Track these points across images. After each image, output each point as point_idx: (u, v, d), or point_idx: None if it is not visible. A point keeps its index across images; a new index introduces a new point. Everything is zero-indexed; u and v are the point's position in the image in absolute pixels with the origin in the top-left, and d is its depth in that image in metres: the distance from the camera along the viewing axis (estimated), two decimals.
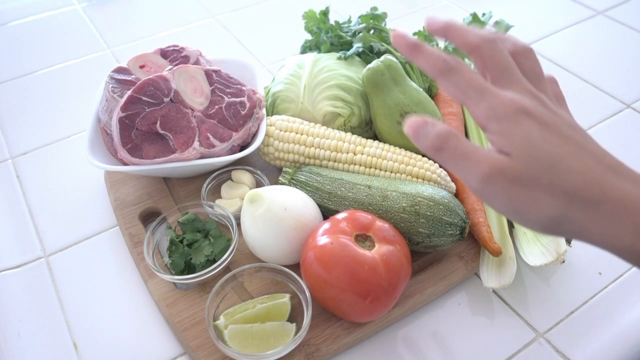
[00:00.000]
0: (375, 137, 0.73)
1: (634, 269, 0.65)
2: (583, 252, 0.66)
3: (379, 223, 0.56)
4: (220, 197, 0.69)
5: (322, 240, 0.54)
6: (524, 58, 0.42)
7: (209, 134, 0.66)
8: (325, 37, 0.85)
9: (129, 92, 0.65)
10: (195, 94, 0.67)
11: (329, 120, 0.72)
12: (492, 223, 0.66)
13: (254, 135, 0.70)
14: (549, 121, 0.38)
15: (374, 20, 0.83)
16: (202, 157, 0.66)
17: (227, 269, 0.61)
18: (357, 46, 0.78)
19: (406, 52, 0.40)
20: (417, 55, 0.40)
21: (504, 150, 0.37)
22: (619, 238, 0.36)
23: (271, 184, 0.69)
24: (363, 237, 0.55)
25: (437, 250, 0.62)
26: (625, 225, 0.35)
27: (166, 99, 0.66)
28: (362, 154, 0.67)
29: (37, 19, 1.10)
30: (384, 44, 0.79)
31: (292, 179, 0.67)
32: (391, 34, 0.41)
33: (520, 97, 0.38)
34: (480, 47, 0.40)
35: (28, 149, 0.82)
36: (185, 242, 0.62)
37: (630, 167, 0.38)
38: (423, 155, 0.70)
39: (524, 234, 0.65)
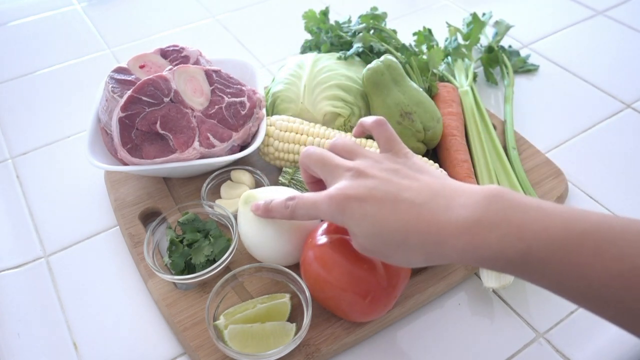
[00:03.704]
0: None
1: None
2: None
3: None
4: (220, 197, 0.69)
5: (322, 239, 0.54)
6: (337, 147, 0.51)
7: (209, 134, 0.66)
8: (325, 37, 0.85)
9: (129, 92, 0.65)
10: (195, 94, 0.67)
11: (329, 120, 0.72)
12: None
13: (254, 135, 0.70)
14: (364, 195, 0.44)
15: (374, 20, 0.83)
16: (202, 157, 0.66)
17: (227, 269, 0.61)
18: (357, 46, 0.78)
19: (261, 215, 0.56)
20: (268, 215, 0.55)
21: (352, 235, 0.46)
22: (455, 255, 0.41)
23: (271, 184, 0.69)
24: None
25: None
26: (446, 244, 0.40)
27: (166, 99, 0.66)
28: None
29: (37, 19, 1.10)
30: (384, 44, 0.79)
31: (292, 179, 0.67)
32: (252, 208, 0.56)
33: (335, 190, 0.46)
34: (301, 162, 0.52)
35: (28, 149, 0.82)
36: (185, 242, 0.62)
37: (448, 186, 0.44)
38: (424, 155, 0.70)
39: None
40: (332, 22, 0.87)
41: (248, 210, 0.59)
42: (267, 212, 0.54)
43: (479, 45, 0.96)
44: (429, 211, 0.42)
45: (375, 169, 0.46)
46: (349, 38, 0.82)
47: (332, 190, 0.46)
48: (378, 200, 0.44)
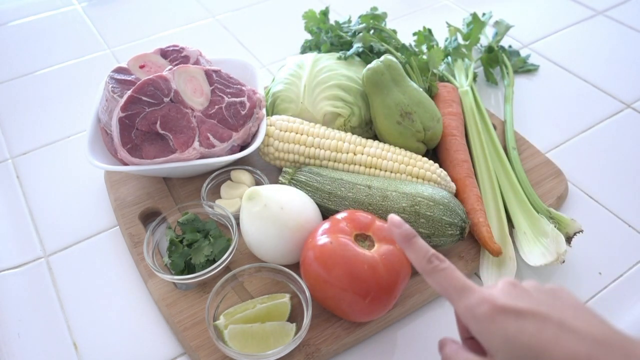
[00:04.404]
0: (375, 137, 0.73)
1: (634, 268, 0.65)
2: (583, 252, 0.66)
3: (379, 223, 0.56)
4: (220, 197, 0.69)
5: (322, 239, 0.54)
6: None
7: (209, 134, 0.66)
8: (325, 37, 0.85)
9: (129, 92, 0.65)
10: (195, 94, 0.67)
11: (329, 120, 0.72)
12: (492, 223, 0.66)
13: (254, 135, 0.70)
14: (524, 308, 0.38)
15: (374, 20, 0.83)
16: (202, 157, 0.66)
17: (227, 269, 0.61)
18: (357, 46, 0.78)
19: (399, 240, 0.45)
20: (407, 247, 0.44)
21: (486, 350, 0.38)
22: None
23: (271, 184, 0.69)
24: (363, 237, 0.55)
25: (437, 250, 0.62)
26: None
27: (166, 99, 0.66)
28: (362, 154, 0.67)
29: (37, 19, 1.10)
30: (384, 44, 0.79)
31: (292, 179, 0.67)
32: (389, 218, 0.45)
33: (495, 293, 0.39)
34: None
35: (28, 149, 0.82)
36: (185, 242, 0.62)
37: (618, 331, 0.37)
38: (423, 155, 0.70)
39: (524, 234, 0.65)
40: (332, 22, 0.87)
41: (251, 206, 0.59)
42: (405, 241, 0.45)
43: (479, 45, 0.96)
44: (601, 352, 0.35)
45: (532, 287, 0.40)
46: (349, 38, 0.82)
47: (486, 292, 0.39)
48: (541, 319, 0.37)
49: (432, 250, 0.43)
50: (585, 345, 0.36)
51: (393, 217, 0.45)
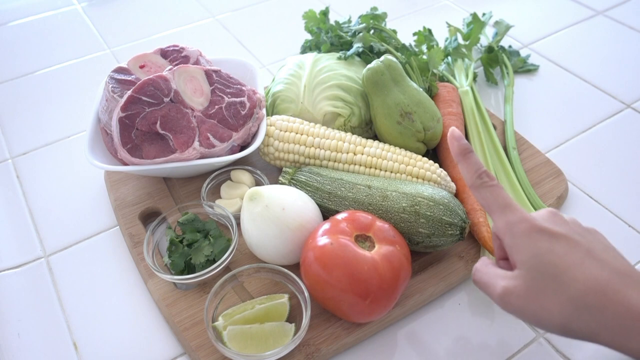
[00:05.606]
0: (375, 137, 0.73)
1: None
2: None
3: (379, 223, 0.56)
4: (220, 197, 0.69)
5: (322, 240, 0.54)
6: None
7: (209, 134, 0.66)
8: (325, 37, 0.85)
9: (129, 92, 0.65)
10: (195, 94, 0.67)
11: (329, 120, 0.72)
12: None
13: (254, 135, 0.70)
14: (559, 232, 0.42)
15: (374, 20, 0.83)
16: (202, 157, 0.66)
17: (227, 269, 0.61)
18: (357, 46, 0.78)
19: (455, 153, 0.48)
20: (461, 160, 0.47)
21: (515, 264, 0.42)
22: (626, 341, 0.38)
23: (271, 184, 0.69)
24: (363, 238, 0.55)
25: (437, 250, 0.62)
26: (631, 330, 0.37)
27: (166, 99, 0.66)
28: (362, 154, 0.67)
29: (37, 19, 1.10)
30: (384, 44, 0.79)
31: (292, 179, 0.67)
32: (449, 132, 0.48)
33: (535, 216, 0.43)
34: None
35: (28, 149, 0.82)
36: (185, 242, 0.62)
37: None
38: (423, 155, 0.70)
39: None
40: (332, 22, 0.87)
41: (253, 207, 0.59)
42: (461, 154, 0.47)
43: (479, 45, 0.96)
44: (621, 281, 0.39)
45: (571, 220, 0.44)
46: (349, 38, 0.82)
47: (527, 214, 0.43)
48: (572, 244, 0.41)
49: (484, 168, 0.46)
50: (606, 272, 0.39)
51: (454, 130, 0.48)
